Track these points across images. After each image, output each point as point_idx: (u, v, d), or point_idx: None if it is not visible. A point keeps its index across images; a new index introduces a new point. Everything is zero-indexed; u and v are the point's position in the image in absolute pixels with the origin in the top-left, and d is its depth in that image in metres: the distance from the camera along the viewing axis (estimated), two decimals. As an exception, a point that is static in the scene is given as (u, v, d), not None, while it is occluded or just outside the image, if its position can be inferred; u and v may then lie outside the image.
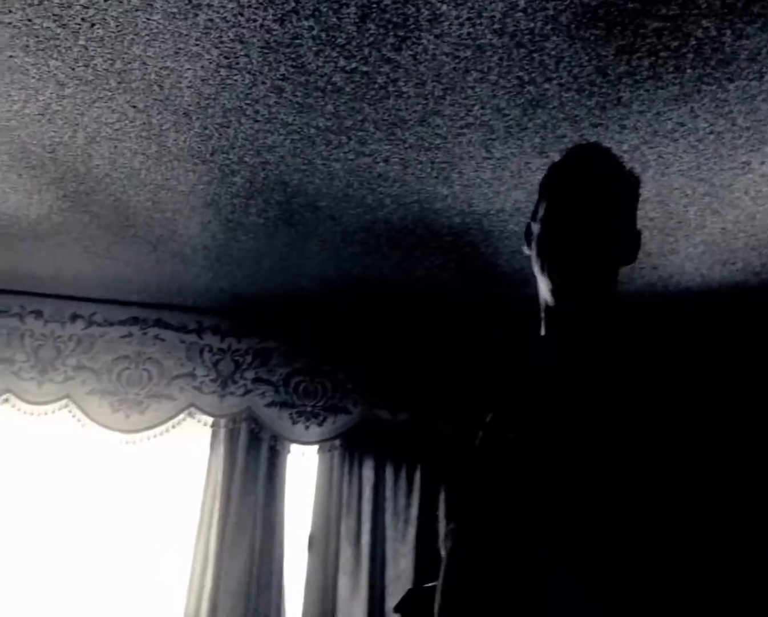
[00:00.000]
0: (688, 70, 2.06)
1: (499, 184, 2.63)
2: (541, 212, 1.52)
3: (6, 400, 3.62)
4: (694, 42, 1.95)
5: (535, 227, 1.53)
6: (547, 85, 2.14)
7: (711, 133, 2.30)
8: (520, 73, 2.10)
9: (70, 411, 3.61)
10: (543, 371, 1.43)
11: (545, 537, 1.25)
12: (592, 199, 1.42)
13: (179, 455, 3.84)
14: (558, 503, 1.26)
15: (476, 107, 2.25)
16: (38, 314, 3.77)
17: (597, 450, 1.28)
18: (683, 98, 2.17)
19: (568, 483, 1.27)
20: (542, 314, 1.54)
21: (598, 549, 1.22)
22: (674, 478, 1.28)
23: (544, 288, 1.49)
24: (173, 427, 3.66)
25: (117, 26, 2.01)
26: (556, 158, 2.42)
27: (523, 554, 1.25)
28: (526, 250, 1.61)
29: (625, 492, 1.25)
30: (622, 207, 1.48)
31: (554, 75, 2.10)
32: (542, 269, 1.47)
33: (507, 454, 1.36)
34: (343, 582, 3.49)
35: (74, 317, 3.77)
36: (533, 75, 2.10)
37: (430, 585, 3.11)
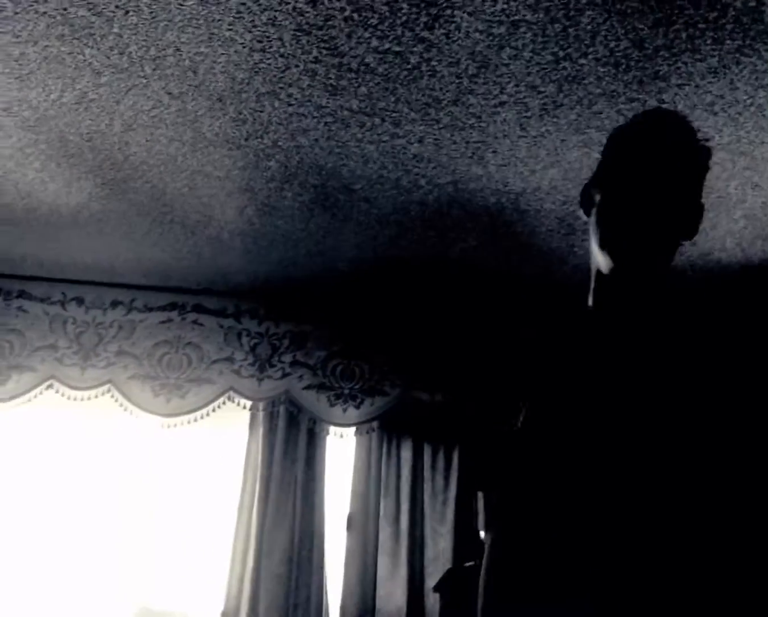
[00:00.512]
0: (727, 42, 2.02)
1: (534, 162, 2.61)
2: (603, 178, 1.45)
3: (50, 386, 3.69)
4: (732, 12, 1.91)
5: (596, 194, 1.46)
6: (582, 61, 2.11)
7: (751, 105, 2.26)
8: (555, 49, 2.07)
9: (112, 396, 3.67)
10: (592, 346, 1.39)
11: (592, 524, 1.23)
12: (659, 169, 1.35)
13: (219, 438, 3.89)
14: (608, 489, 1.23)
15: (511, 85, 2.23)
16: (80, 301, 3.83)
17: (652, 436, 1.23)
18: (722, 70, 2.12)
19: (620, 469, 1.24)
20: (592, 285, 1.48)
21: (652, 543, 1.19)
22: (736, 468, 1.24)
23: (599, 258, 1.42)
24: (213, 411, 3.70)
25: (151, 13, 2.03)
26: (593, 134, 2.42)
27: (568, 540, 1.24)
28: (583, 216, 1.53)
29: (683, 483, 1.21)
30: (690, 179, 1.40)
31: (590, 50, 2.07)
32: (601, 238, 1.41)
33: (556, 435, 1.33)
34: (383, 561, 3.51)
35: (115, 304, 3.83)
36: (568, 50, 2.07)
37: (468, 564, 3.13)
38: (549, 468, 1.31)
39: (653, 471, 1.23)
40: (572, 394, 1.35)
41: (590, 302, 1.49)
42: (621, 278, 1.40)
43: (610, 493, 1.23)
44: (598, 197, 1.45)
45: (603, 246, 1.40)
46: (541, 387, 1.41)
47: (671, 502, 1.21)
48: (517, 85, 2.24)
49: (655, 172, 1.35)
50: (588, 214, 1.49)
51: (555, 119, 2.38)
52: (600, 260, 1.43)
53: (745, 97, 2.22)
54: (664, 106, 2.26)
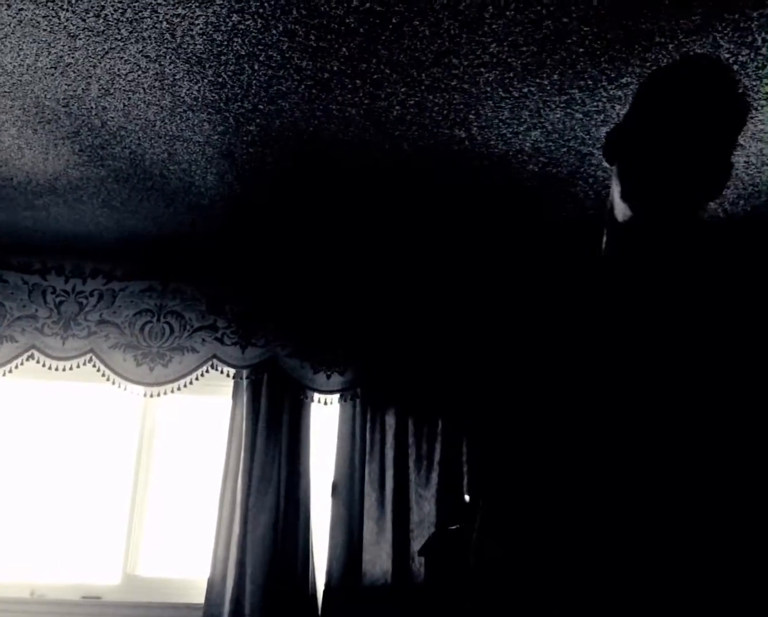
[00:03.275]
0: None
1: (517, 124, 2.59)
2: (631, 124, 1.38)
3: (31, 356, 3.66)
4: (716, -31, 1.90)
5: (623, 142, 1.40)
6: (565, 19, 2.09)
7: (734, 63, 2.25)
8: (538, 7, 2.05)
9: (94, 366, 3.65)
10: (605, 298, 1.36)
11: (590, 505, 1.20)
12: (690, 120, 1.29)
13: (203, 405, 3.89)
14: (610, 470, 1.20)
15: (493, 45, 2.21)
16: (59, 270, 3.79)
17: (661, 409, 1.21)
18: (705, 29, 2.11)
19: (626, 445, 1.21)
20: (607, 235, 1.44)
21: (651, 532, 1.17)
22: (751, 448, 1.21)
23: (619, 208, 1.38)
24: (197, 379, 3.69)
25: (126, -27, 1.99)
26: (575, 95, 2.40)
27: (563, 527, 1.22)
28: (605, 162, 1.49)
29: (691, 467, 1.18)
30: (722, 134, 1.33)
31: (572, 8, 2.05)
32: (623, 188, 1.36)
33: (560, 399, 1.30)
34: (368, 526, 3.53)
35: (95, 273, 3.79)
36: (551, 8, 2.05)
37: (453, 528, 3.15)
38: (549, 437, 1.28)
39: (662, 448, 1.20)
40: (581, 353, 1.32)
41: (603, 251, 1.45)
42: (639, 230, 1.36)
43: (612, 474, 1.21)
44: (623, 140, 1.40)
45: (625, 197, 1.36)
46: (548, 344, 1.38)
47: (677, 488, 1.19)
48: (499, 45, 2.21)
49: (685, 123, 1.29)
50: (611, 162, 1.44)
51: (537, 80, 2.36)
52: (619, 210, 1.39)
53: (727, 55, 2.21)
54: (647, 65, 2.25)
